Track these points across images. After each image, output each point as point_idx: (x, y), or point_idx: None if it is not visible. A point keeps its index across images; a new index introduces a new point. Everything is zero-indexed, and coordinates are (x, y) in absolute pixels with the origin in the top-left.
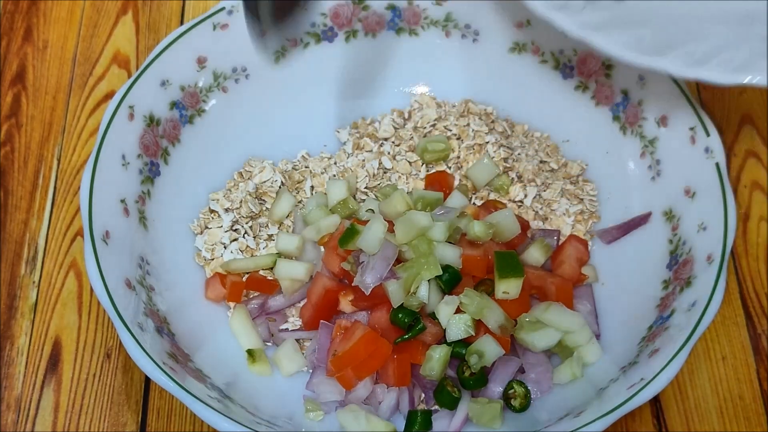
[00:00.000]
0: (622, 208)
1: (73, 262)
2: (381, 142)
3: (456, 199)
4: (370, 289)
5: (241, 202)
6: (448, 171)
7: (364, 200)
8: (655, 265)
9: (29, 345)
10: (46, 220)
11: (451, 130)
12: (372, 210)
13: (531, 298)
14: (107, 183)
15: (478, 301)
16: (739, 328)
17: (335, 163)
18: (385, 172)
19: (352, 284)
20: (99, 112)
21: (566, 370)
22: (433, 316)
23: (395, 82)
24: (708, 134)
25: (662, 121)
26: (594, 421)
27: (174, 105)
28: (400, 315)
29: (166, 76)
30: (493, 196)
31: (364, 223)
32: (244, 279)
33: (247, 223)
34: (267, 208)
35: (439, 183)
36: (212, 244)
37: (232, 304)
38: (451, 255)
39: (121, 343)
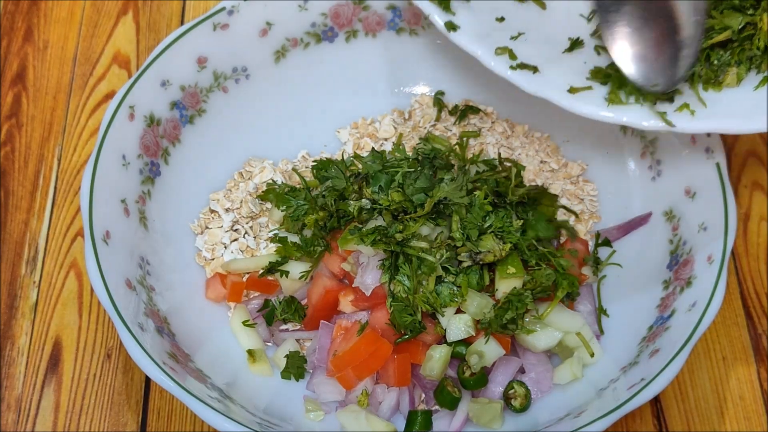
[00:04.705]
0: (622, 208)
1: (73, 262)
2: (381, 142)
3: None
4: (370, 290)
5: (241, 202)
6: None
7: None
8: (655, 265)
9: (29, 345)
10: (47, 220)
11: (451, 130)
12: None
13: None
14: (107, 183)
15: (478, 301)
16: (740, 328)
17: None
18: None
19: (353, 285)
20: (99, 112)
21: (566, 370)
22: (433, 316)
23: (395, 82)
24: (708, 134)
25: None
26: (594, 421)
27: (174, 105)
28: None
29: (167, 76)
30: None
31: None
32: (244, 279)
33: (247, 224)
34: (267, 208)
35: None
36: (212, 244)
37: (232, 304)
38: None
39: (121, 343)
